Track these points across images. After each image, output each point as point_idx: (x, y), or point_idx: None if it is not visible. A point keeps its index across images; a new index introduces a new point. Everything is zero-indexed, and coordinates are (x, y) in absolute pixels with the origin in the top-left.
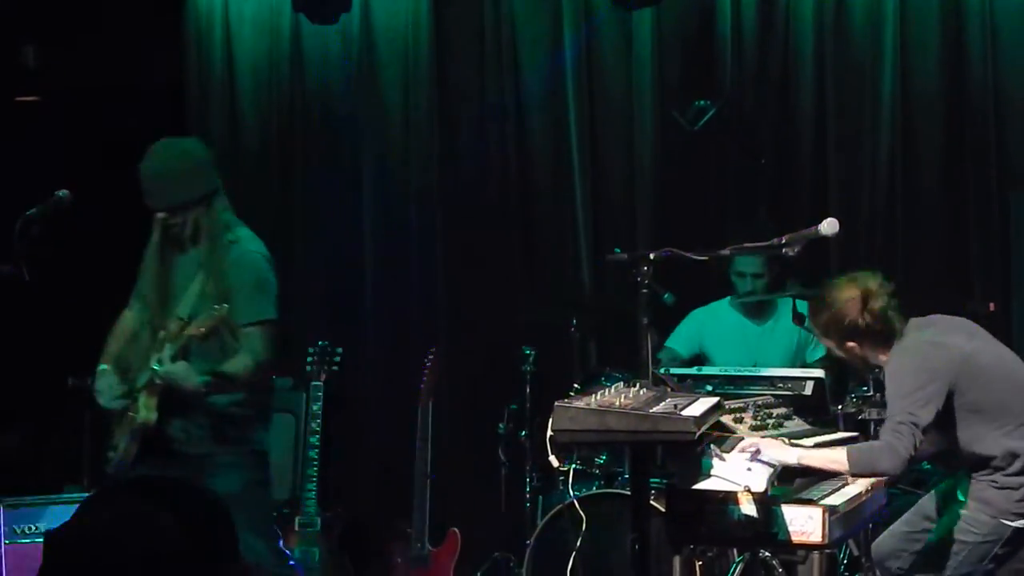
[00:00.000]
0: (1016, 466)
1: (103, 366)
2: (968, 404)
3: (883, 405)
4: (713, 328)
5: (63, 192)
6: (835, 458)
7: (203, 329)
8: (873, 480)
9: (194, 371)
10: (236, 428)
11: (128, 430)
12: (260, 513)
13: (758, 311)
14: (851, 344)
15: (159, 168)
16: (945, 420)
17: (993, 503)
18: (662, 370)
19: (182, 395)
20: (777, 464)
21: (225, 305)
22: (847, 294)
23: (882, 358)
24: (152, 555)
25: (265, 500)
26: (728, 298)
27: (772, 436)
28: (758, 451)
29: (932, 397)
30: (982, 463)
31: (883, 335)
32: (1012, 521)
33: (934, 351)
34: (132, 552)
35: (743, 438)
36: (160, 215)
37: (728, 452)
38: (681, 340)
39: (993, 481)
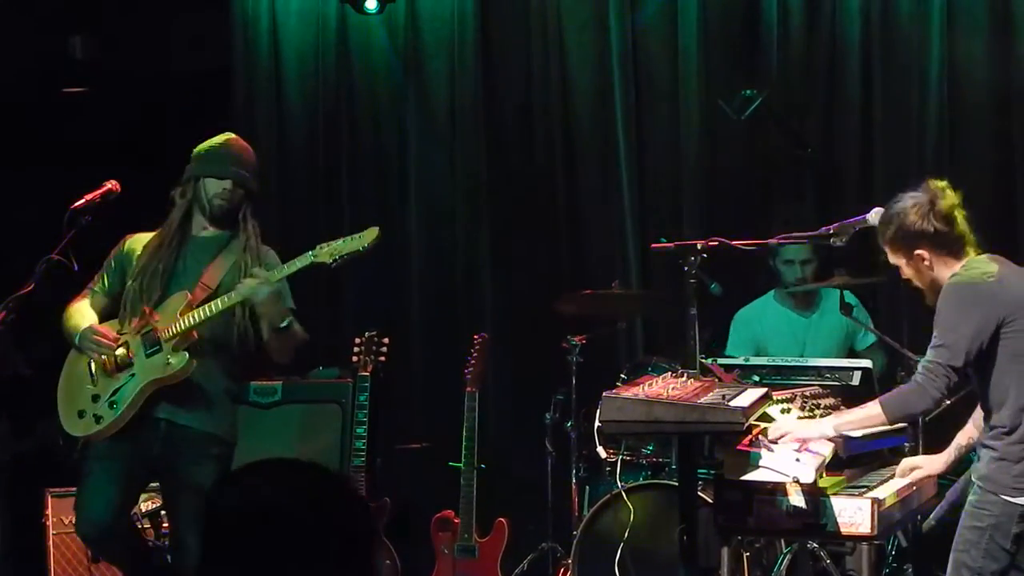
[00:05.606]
0: (1017, 434)
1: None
2: (1011, 347)
3: None
4: (762, 325)
5: (111, 183)
6: (870, 413)
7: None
8: (924, 475)
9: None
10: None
11: (139, 386)
12: None
13: (804, 302)
14: (920, 252)
15: (243, 146)
16: (987, 361)
17: (993, 479)
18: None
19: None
20: (818, 444)
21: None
22: (913, 199)
23: (947, 274)
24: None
25: None
26: (772, 292)
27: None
28: (805, 441)
29: (975, 335)
30: (993, 420)
31: (951, 240)
32: (1013, 497)
33: (990, 285)
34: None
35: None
36: (226, 184)
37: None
38: (738, 346)
39: (993, 450)
